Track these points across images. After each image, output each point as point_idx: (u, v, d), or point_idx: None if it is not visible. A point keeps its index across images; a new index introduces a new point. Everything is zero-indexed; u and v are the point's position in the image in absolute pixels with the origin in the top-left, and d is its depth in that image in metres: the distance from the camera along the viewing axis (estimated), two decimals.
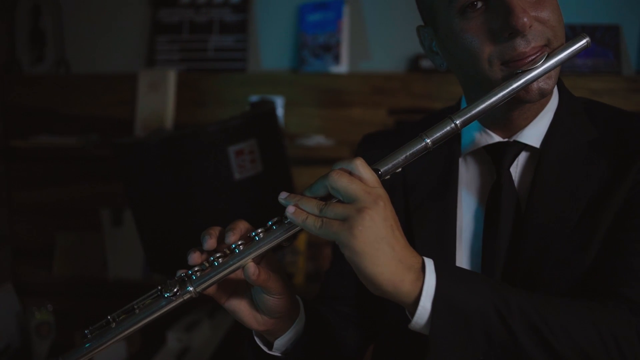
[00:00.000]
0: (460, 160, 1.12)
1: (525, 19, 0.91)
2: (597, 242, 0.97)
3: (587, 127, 1.06)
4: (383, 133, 1.31)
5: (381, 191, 0.82)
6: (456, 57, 1.01)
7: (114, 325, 0.87)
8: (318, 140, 2.42)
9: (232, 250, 0.87)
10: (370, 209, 0.79)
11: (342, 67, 2.48)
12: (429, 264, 0.82)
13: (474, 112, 0.91)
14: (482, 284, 0.84)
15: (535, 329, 0.81)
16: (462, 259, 1.06)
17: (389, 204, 0.81)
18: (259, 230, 0.87)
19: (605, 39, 2.44)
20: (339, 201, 0.82)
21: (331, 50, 2.48)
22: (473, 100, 0.99)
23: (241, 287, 0.94)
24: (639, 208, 0.96)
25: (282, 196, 0.86)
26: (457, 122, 0.89)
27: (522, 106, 1.02)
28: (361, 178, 0.82)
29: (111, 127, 2.60)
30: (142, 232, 1.89)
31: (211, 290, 0.90)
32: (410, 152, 0.88)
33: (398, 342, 1.11)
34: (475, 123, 1.06)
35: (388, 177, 0.87)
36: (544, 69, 0.93)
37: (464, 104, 1.14)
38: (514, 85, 0.93)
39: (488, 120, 1.06)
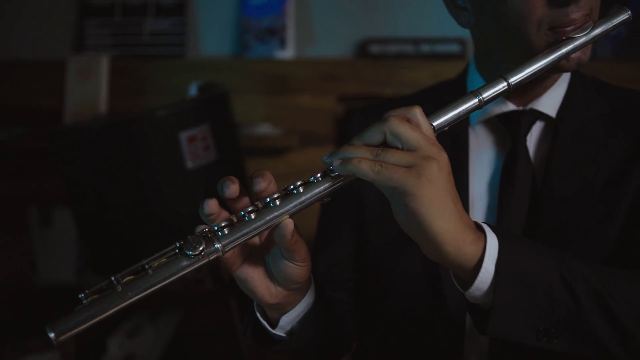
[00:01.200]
0: (470, 129, 1.09)
1: None
2: (621, 213, 0.97)
3: (599, 101, 1.06)
4: (373, 106, 1.24)
5: (439, 145, 0.75)
6: (497, 16, 0.96)
7: (119, 288, 0.72)
8: (265, 129, 2.33)
9: (267, 204, 0.76)
10: (437, 159, 0.72)
11: (288, 53, 2.40)
12: (485, 227, 0.78)
13: (526, 72, 0.86)
14: (544, 249, 0.80)
15: (600, 295, 0.79)
16: None
17: (447, 158, 0.75)
18: (298, 184, 0.77)
19: None
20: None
21: (276, 34, 2.39)
22: (495, 64, 1.03)
23: (256, 253, 0.84)
24: None
25: (326, 155, 0.77)
26: (511, 80, 0.84)
27: (548, 74, 0.98)
28: (420, 127, 0.75)
29: (38, 118, 2.42)
30: (83, 228, 1.74)
31: (227, 256, 0.78)
32: (463, 108, 0.82)
33: (394, 329, 1.06)
34: None
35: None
36: (589, 38, 0.91)
37: (473, 72, 1.11)
38: (563, 51, 0.90)
39: None
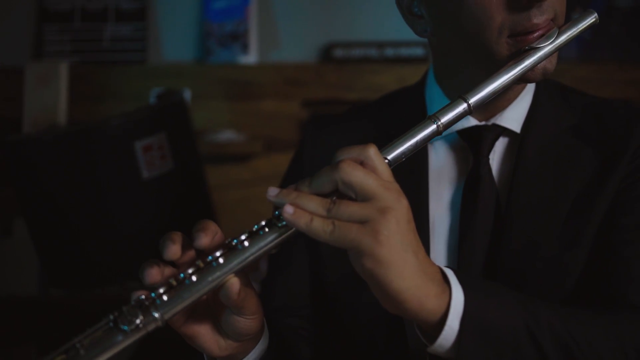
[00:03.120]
0: (429, 146, 1.04)
1: None
2: (589, 238, 0.93)
3: (566, 112, 1.02)
4: (328, 119, 1.21)
5: (398, 186, 0.71)
6: (455, 23, 0.92)
7: None
8: (228, 135, 2.34)
9: (209, 263, 0.71)
10: (395, 209, 0.68)
11: (251, 57, 2.42)
12: (451, 275, 0.74)
13: (487, 90, 0.82)
14: (510, 297, 0.77)
15: (566, 346, 0.76)
16: (437, 256, 0.97)
17: (407, 203, 0.71)
18: (242, 238, 0.71)
19: None
20: (349, 199, 0.70)
21: (239, 39, 2.41)
22: (453, 75, 0.98)
23: (202, 308, 0.79)
24: (631, 203, 0.93)
25: (272, 192, 0.71)
26: (471, 101, 0.80)
27: (511, 86, 0.91)
28: (376, 170, 0.70)
29: None
30: (37, 241, 1.75)
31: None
32: (420, 136, 0.77)
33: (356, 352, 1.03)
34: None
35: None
36: (555, 46, 0.87)
37: (432, 83, 1.06)
38: (527, 64, 0.85)
39: None
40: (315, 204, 0.69)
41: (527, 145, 0.98)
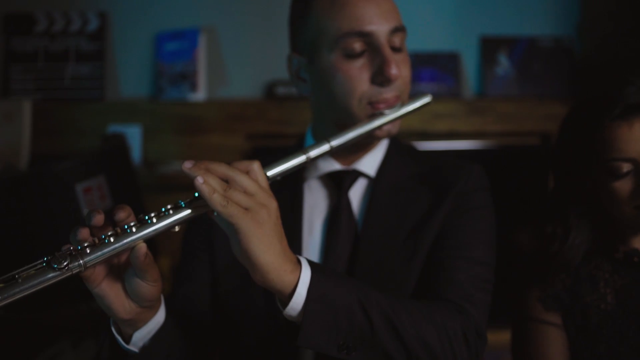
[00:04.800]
0: (305, 184, 1.34)
1: (396, 72, 1.18)
2: (421, 256, 1.24)
3: (411, 163, 1.35)
4: (258, 154, 1.52)
5: (271, 192, 0.96)
6: (329, 89, 1.23)
7: None
8: (177, 166, 2.58)
9: (124, 230, 0.91)
10: (267, 206, 0.94)
11: (200, 95, 2.67)
12: (304, 260, 1.00)
13: (346, 137, 1.13)
14: (348, 280, 1.04)
15: (389, 319, 1.02)
16: None
17: (277, 204, 0.97)
18: (152, 215, 0.92)
19: (447, 66, 2.73)
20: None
21: (188, 78, 2.65)
22: (324, 128, 1.28)
23: (115, 273, 0.98)
24: (453, 230, 1.25)
25: (188, 165, 0.92)
26: (332, 143, 1.10)
27: (365, 140, 1.25)
28: (257, 179, 0.96)
29: None
30: None
31: (89, 272, 0.91)
32: (292, 163, 1.05)
33: (246, 352, 1.29)
34: None
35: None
36: (396, 115, 1.21)
37: (309, 137, 1.37)
38: (376, 123, 1.18)
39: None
40: (217, 182, 0.92)
41: (379, 185, 1.30)
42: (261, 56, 2.74)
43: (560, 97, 2.71)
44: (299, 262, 0.99)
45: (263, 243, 0.93)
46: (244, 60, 2.75)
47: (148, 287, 0.97)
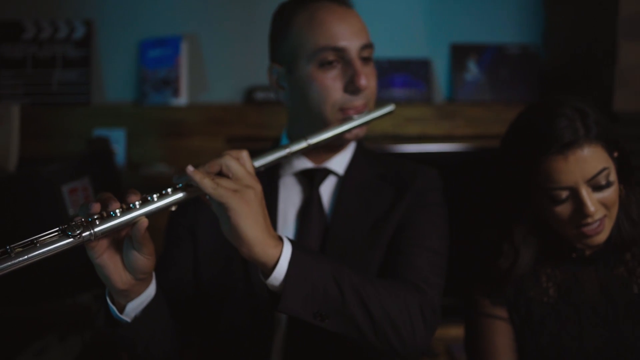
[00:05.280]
0: (280, 181, 1.51)
1: (365, 82, 1.37)
2: (383, 245, 1.40)
3: (375, 165, 1.54)
4: None
5: (256, 177, 1.11)
6: (305, 96, 1.41)
7: (13, 255, 0.94)
8: (160, 168, 2.71)
9: (129, 207, 1.05)
10: (253, 188, 1.08)
11: (182, 100, 2.79)
12: (285, 238, 1.14)
13: (321, 137, 1.30)
14: (324, 257, 1.20)
15: (358, 293, 1.18)
16: None
17: (261, 187, 1.12)
18: (154, 195, 1.07)
19: (419, 72, 2.87)
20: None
21: (170, 84, 2.77)
22: (300, 132, 1.41)
23: (115, 246, 1.11)
24: (411, 223, 1.42)
25: (190, 169, 1.07)
26: (309, 141, 1.27)
27: (336, 142, 1.42)
28: (245, 165, 1.11)
29: None
30: None
31: (95, 243, 1.05)
32: (276, 155, 1.22)
33: (227, 332, 1.43)
34: None
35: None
36: (363, 121, 1.38)
37: (284, 140, 1.54)
38: (348, 126, 1.36)
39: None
40: (207, 174, 1.07)
41: (347, 183, 1.48)
42: (241, 63, 2.86)
43: (527, 101, 2.82)
44: (281, 240, 1.13)
45: (250, 219, 1.07)
46: (224, 67, 2.87)
47: (144, 259, 1.10)
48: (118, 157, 2.69)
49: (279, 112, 2.73)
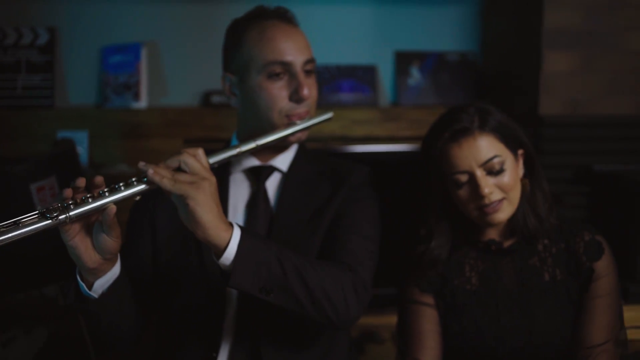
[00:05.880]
0: (231, 177, 1.67)
1: (307, 92, 1.56)
2: (321, 233, 1.58)
3: (315, 163, 1.71)
4: None
5: (212, 173, 1.27)
6: (255, 103, 1.57)
7: None
8: (121, 168, 2.85)
9: (99, 194, 1.18)
10: (208, 180, 1.24)
11: (142, 103, 2.94)
12: (234, 223, 1.30)
13: (268, 138, 1.49)
14: (269, 240, 1.38)
15: (298, 271, 1.35)
16: None
17: (215, 180, 1.27)
18: (121, 184, 1.21)
19: (365, 77, 3.07)
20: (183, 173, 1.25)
21: (131, 89, 2.93)
22: (248, 134, 1.58)
23: (85, 230, 1.25)
24: (346, 213, 1.60)
25: (142, 164, 1.23)
26: (258, 142, 1.46)
27: (281, 143, 1.59)
28: (201, 161, 1.27)
29: None
30: None
31: (68, 227, 1.19)
32: (228, 154, 1.38)
33: (185, 308, 1.58)
34: None
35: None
36: (305, 126, 1.57)
37: (234, 139, 1.72)
38: (292, 130, 1.54)
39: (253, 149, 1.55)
40: (167, 171, 1.23)
41: (290, 178, 1.66)
42: (197, 68, 3.01)
43: (458, 104, 3.04)
44: (232, 225, 1.30)
45: (206, 205, 1.22)
46: (182, 72, 3.02)
47: (111, 241, 1.26)
48: (81, 158, 2.80)
49: (233, 115, 2.74)
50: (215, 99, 2.98)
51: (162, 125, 2.91)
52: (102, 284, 1.36)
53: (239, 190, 1.66)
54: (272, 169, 1.67)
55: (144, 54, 2.96)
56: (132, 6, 2.98)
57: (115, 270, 1.37)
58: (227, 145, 1.71)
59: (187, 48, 3.03)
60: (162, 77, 3.03)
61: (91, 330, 1.50)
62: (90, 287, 1.35)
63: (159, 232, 1.64)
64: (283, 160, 1.68)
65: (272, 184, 1.67)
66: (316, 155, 1.77)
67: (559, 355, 1.60)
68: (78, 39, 2.99)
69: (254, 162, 1.66)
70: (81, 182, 1.21)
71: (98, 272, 1.33)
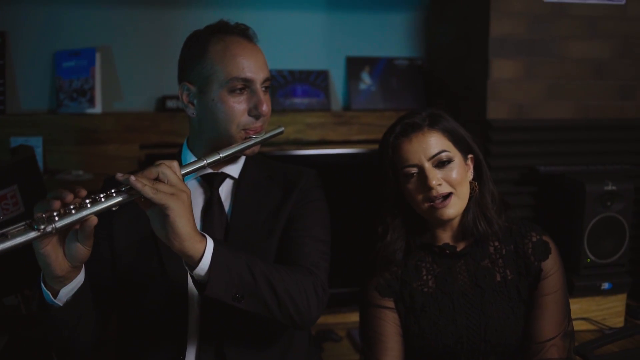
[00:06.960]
0: (188, 184, 1.74)
1: (266, 109, 1.64)
2: (276, 236, 1.68)
3: (264, 168, 1.83)
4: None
5: (186, 185, 1.32)
6: (215, 115, 1.63)
7: None
8: (77, 174, 2.87)
9: (82, 205, 1.23)
10: (185, 192, 1.30)
11: (97, 108, 2.96)
12: (206, 235, 1.37)
13: (230, 151, 1.54)
14: (239, 250, 1.45)
15: (267, 278, 1.45)
16: None
17: (190, 192, 1.33)
18: (101, 195, 1.25)
19: (318, 82, 3.17)
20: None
21: (86, 94, 2.95)
22: (203, 144, 1.70)
23: (58, 238, 1.30)
24: (299, 217, 1.71)
25: (119, 175, 1.26)
26: (221, 154, 1.50)
27: (238, 154, 1.66)
28: (176, 173, 1.32)
29: None
30: None
31: (47, 237, 1.23)
32: (197, 165, 1.43)
33: (148, 314, 1.66)
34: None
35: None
36: (258, 140, 1.64)
37: (185, 149, 1.78)
38: (251, 143, 1.63)
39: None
40: (146, 179, 1.27)
41: (242, 184, 1.76)
42: (152, 73, 3.04)
43: (414, 109, 3.15)
44: (204, 236, 1.37)
45: (185, 217, 1.29)
46: (137, 77, 3.05)
47: (84, 250, 1.32)
48: None
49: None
50: (170, 103, 3.01)
51: (118, 130, 2.93)
52: (67, 292, 1.41)
53: (194, 198, 1.69)
54: (224, 176, 1.76)
55: (98, 58, 2.98)
56: (85, 11, 2.99)
57: (80, 278, 1.43)
58: (180, 152, 1.81)
59: (141, 53, 3.05)
60: (117, 82, 3.05)
61: (54, 338, 1.56)
62: (55, 294, 1.41)
63: (115, 241, 1.72)
64: (234, 167, 1.78)
65: (224, 190, 1.76)
66: (264, 161, 1.88)
67: (513, 351, 1.73)
68: (30, 44, 2.97)
69: (206, 170, 1.71)
70: (70, 197, 1.26)
71: (65, 280, 1.38)
